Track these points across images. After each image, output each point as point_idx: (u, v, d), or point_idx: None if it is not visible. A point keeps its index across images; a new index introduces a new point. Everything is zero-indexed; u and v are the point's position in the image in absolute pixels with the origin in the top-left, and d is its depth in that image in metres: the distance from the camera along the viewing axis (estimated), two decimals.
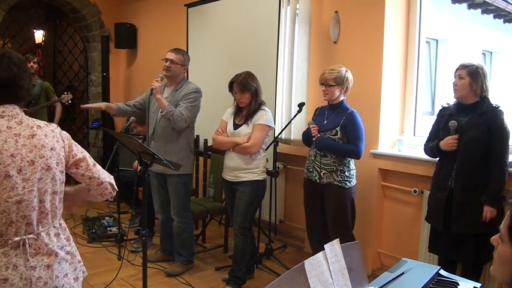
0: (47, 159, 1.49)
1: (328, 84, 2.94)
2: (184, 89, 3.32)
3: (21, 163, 1.44)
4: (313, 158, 3.03)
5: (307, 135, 3.08)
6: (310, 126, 3.02)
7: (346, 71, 2.96)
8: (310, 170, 3.05)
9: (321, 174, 2.97)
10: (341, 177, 2.92)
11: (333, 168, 2.94)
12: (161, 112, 3.23)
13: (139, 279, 3.08)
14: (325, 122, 3.01)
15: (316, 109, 3.19)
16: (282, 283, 1.14)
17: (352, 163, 3.00)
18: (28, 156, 1.45)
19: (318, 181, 2.99)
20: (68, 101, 4.73)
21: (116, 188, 1.72)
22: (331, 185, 2.95)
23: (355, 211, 3.03)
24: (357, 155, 2.92)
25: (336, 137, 2.92)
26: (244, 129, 3.07)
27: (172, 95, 3.34)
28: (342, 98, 3.00)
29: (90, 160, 1.65)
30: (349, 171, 2.96)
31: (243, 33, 4.11)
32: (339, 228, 2.95)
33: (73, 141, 1.64)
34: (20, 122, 1.49)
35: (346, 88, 2.98)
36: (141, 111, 3.53)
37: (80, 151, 1.63)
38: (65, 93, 4.76)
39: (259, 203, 3.21)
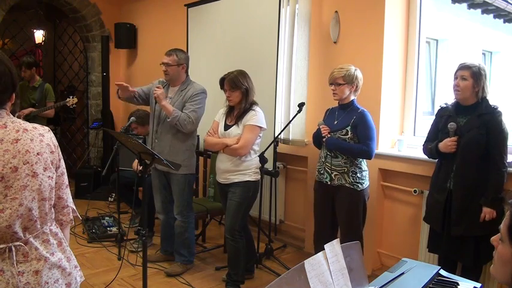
0: (32, 165, 1.40)
1: (337, 83, 2.89)
2: (190, 90, 3.30)
3: (2, 170, 1.35)
4: (323, 160, 2.97)
5: (317, 136, 3.03)
6: (321, 127, 2.97)
7: (356, 69, 2.91)
8: (321, 172, 2.99)
9: (332, 175, 2.91)
10: (353, 179, 2.87)
11: (344, 170, 2.88)
12: (168, 119, 3.21)
13: (139, 279, 3.08)
14: (336, 122, 2.95)
15: (327, 110, 3.13)
16: (282, 283, 1.14)
17: (364, 164, 2.94)
18: (11, 163, 1.36)
19: (329, 183, 2.93)
20: (72, 104, 4.77)
21: (78, 215, 1.65)
22: (342, 187, 2.89)
23: (366, 213, 2.98)
24: (368, 155, 2.87)
25: (347, 136, 2.87)
26: (235, 130, 3.04)
27: (178, 94, 3.32)
28: (352, 97, 2.94)
29: (66, 179, 1.56)
30: (361, 172, 2.90)
31: (243, 33, 4.11)
32: (349, 230, 2.91)
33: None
34: (3, 125, 1.40)
35: (356, 87, 2.92)
36: (144, 103, 3.53)
37: (63, 166, 1.56)
38: (70, 97, 4.78)
39: (250, 205, 3.15)
